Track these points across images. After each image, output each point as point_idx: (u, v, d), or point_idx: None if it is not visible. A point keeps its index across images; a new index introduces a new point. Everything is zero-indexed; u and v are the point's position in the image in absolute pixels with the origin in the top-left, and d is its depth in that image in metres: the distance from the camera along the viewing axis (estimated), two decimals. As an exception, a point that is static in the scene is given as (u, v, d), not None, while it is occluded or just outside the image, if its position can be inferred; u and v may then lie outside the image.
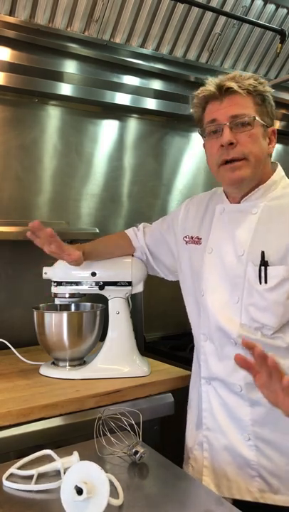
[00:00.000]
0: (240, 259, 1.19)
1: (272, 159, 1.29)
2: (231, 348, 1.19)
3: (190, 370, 1.56)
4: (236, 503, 1.17)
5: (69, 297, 1.55)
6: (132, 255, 1.56)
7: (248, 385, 1.16)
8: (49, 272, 1.53)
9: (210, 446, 1.26)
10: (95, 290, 1.54)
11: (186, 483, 1.01)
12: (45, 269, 1.53)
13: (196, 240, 1.33)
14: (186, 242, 1.37)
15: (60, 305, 1.64)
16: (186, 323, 2.31)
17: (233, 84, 1.15)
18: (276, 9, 2.36)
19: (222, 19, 2.27)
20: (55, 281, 1.53)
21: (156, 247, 1.52)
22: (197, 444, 1.30)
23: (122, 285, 1.54)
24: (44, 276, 1.54)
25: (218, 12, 2.20)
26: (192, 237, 1.35)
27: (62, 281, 1.52)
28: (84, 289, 1.53)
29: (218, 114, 1.18)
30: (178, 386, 1.50)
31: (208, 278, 1.26)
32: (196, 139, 2.50)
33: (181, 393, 1.47)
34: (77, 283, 1.53)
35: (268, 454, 1.17)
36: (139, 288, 1.57)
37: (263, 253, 1.15)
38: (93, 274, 1.52)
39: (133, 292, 1.56)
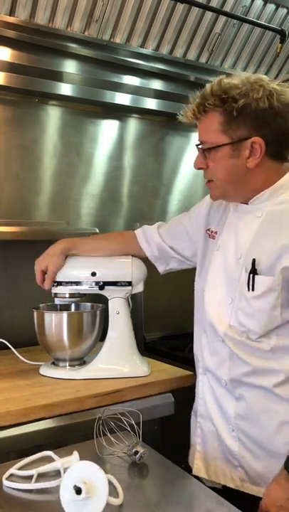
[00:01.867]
0: (238, 263, 1.20)
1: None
2: (219, 344, 1.23)
3: (190, 370, 1.57)
4: (225, 488, 1.24)
5: (69, 297, 1.55)
6: (133, 255, 1.56)
7: (232, 380, 1.21)
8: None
9: (202, 432, 1.32)
10: (95, 290, 1.54)
11: (186, 483, 1.01)
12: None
13: (213, 235, 1.34)
14: (209, 236, 1.36)
15: (60, 305, 1.64)
16: (185, 323, 2.32)
17: (193, 113, 1.17)
18: (276, 9, 2.36)
19: (222, 19, 2.27)
20: (55, 282, 1.53)
21: (175, 240, 1.49)
22: (195, 429, 1.35)
23: (122, 285, 1.54)
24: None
25: (218, 12, 2.20)
26: (212, 232, 1.35)
27: (62, 281, 1.52)
28: (84, 289, 1.53)
29: (198, 137, 1.22)
30: (178, 386, 1.50)
31: (212, 275, 1.28)
32: (196, 139, 2.49)
33: (181, 393, 1.47)
34: (77, 283, 1.53)
35: (249, 447, 1.20)
36: (139, 288, 1.57)
37: (254, 261, 1.14)
38: (93, 274, 1.52)
39: (133, 292, 1.56)
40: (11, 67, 1.88)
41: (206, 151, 1.18)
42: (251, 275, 1.14)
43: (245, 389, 1.19)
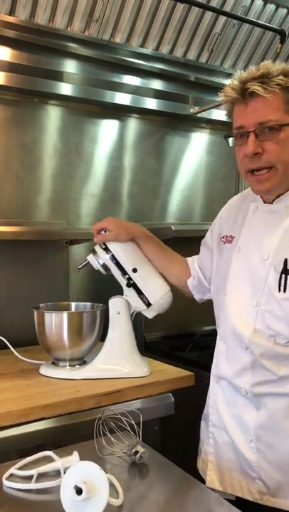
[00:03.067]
0: (265, 263, 1.15)
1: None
2: (241, 352, 1.18)
3: (190, 370, 1.57)
4: (239, 499, 1.20)
5: (100, 264, 1.53)
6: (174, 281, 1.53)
7: (254, 389, 1.16)
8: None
9: (215, 442, 1.27)
10: (122, 281, 1.52)
11: (186, 484, 1.01)
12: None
13: (230, 239, 1.30)
14: (224, 243, 1.32)
15: (60, 304, 1.63)
16: (186, 324, 2.33)
17: (258, 88, 1.07)
18: (276, 9, 2.36)
19: (222, 19, 2.27)
20: (104, 244, 1.52)
21: (204, 265, 1.46)
22: (207, 437, 1.31)
23: (142, 299, 1.52)
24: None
25: (218, 12, 2.20)
26: (227, 236, 1.31)
27: (110, 251, 1.51)
28: (117, 272, 1.52)
29: (244, 120, 1.11)
30: (178, 386, 1.50)
31: (233, 278, 1.24)
32: (196, 139, 2.50)
33: (181, 393, 1.47)
34: (117, 263, 1.51)
35: (269, 457, 1.16)
36: (150, 314, 1.54)
37: (286, 260, 1.10)
38: (134, 270, 1.51)
39: (143, 313, 1.54)
40: (11, 67, 1.88)
41: (267, 131, 1.09)
42: (283, 275, 1.10)
43: (268, 398, 1.15)
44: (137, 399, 1.42)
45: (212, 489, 1.18)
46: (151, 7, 2.08)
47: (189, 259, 1.53)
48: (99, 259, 1.53)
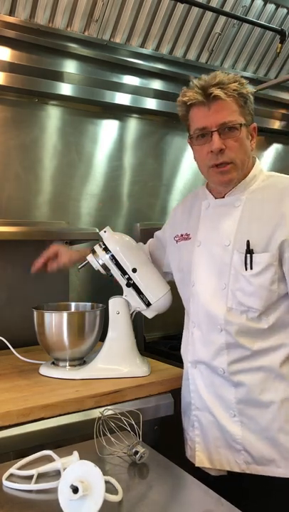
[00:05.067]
0: (227, 249, 1.28)
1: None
2: (216, 334, 1.28)
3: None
4: (231, 475, 1.28)
5: (100, 264, 1.53)
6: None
7: (230, 367, 1.26)
8: (108, 235, 1.53)
9: (200, 424, 1.35)
10: (122, 281, 1.52)
11: (186, 483, 1.01)
12: (106, 229, 1.55)
13: (186, 237, 1.42)
14: (177, 241, 1.45)
15: (60, 304, 1.63)
16: (186, 323, 2.28)
17: (220, 93, 1.20)
18: (276, 9, 2.37)
19: (222, 19, 2.27)
20: (103, 245, 1.53)
21: (154, 253, 1.63)
22: (190, 425, 1.38)
23: (142, 299, 1.52)
24: (101, 233, 1.54)
25: (218, 12, 2.20)
26: (182, 235, 1.44)
27: (110, 251, 1.51)
28: (116, 272, 1.52)
29: (207, 122, 1.24)
30: (178, 386, 1.50)
31: (198, 269, 1.35)
32: (196, 139, 2.50)
33: (181, 393, 1.47)
34: (117, 263, 1.52)
35: (252, 429, 1.25)
36: (150, 314, 1.55)
37: (248, 242, 1.23)
38: (134, 270, 1.51)
39: (143, 313, 1.55)
40: (11, 67, 1.88)
41: (228, 130, 1.23)
42: (248, 255, 1.23)
43: (244, 374, 1.25)
44: (137, 399, 1.43)
45: (200, 472, 1.29)
46: (151, 7, 2.08)
47: (150, 243, 1.68)
48: (99, 259, 1.53)
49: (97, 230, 2.06)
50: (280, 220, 1.21)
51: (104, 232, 1.54)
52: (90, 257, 1.55)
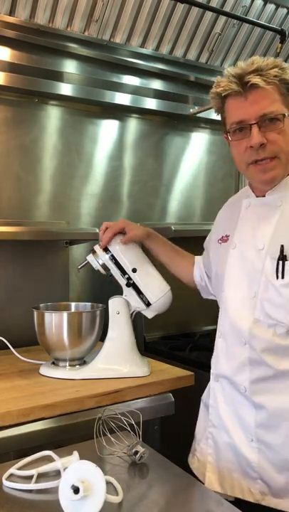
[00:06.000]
0: (260, 253, 1.16)
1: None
2: (240, 348, 1.17)
3: (190, 370, 1.57)
4: (237, 500, 1.18)
5: (101, 264, 1.53)
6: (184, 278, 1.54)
7: (252, 386, 1.15)
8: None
9: (215, 443, 1.25)
10: (122, 281, 1.52)
11: (186, 484, 1.01)
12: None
13: (226, 238, 1.31)
14: (220, 244, 1.33)
15: (60, 304, 1.63)
16: (186, 324, 2.33)
17: (258, 80, 1.07)
18: (276, 9, 2.36)
19: (222, 19, 2.27)
20: (106, 247, 1.52)
21: (207, 265, 1.47)
22: (204, 438, 1.30)
23: (142, 299, 1.52)
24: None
25: (218, 12, 2.20)
26: (223, 237, 1.32)
27: (110, 252, 1.51)
28: (116, 272, 1.52)
29: (245, 114, 1.11)
30: (178, 386, 1.50)
31: (230, 274, 1.24)
32: (196, 139, 2.50)
33: (181, 393, 1.47)
34: (117, 263, 1.52)
35: (270, 458, 1.14)
36: (150, 314, 1.55)
37: (282, 247, 1.10)
38: (134, 270, 1.51)
39: (143, 313, 1.55)
40: (11, 67, 1.88)
41: (269, 122, 1.10)
42: (280, 262, 1.10)
43: (267, 395, 1.14)
44: (137, 399, 1.42)
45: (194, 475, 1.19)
46: (151, 7, 2.08)
47: (198, 258, 1.54)
48: (98, 259, 1.53)
49: (97, 230, 2.05)
50: None
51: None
52: (89, 257, 1.55)
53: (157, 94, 2.27)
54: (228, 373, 1.21)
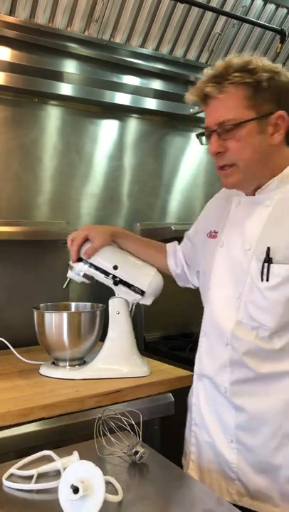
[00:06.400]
0: (247, 254, 1.14)
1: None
2: (222, 348, 1.17)
3: (190, 370, 1.56)
4: None
5: (83, 276, 1.53)
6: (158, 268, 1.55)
7: (232, 387, 1.15)
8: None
9: (197, 441, 1.26)
10: (109, 283, 1.52)
11: (186, 484, 1.01)
12: (71, 264, 1.53)
13: (214, 234, 1.29)
14: (208, 238, 1.32)
15: (60, 304, 1.63)
16: (186, 324, 2.32)
17: (210, 90, 1.08)
18: (276, 9, 2.36)
19: (222, 19, 2.27)
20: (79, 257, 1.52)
21: (188, 257, 1.48)
22: (190, 436, 1.31)
23: (135, 291, 1.52)
24: (69, 274, 1.54)
25: (218, 12, 2.20)
26: (211, 232, 1.30)
27: (84, 260, 1.51)
28: (100, 276, 1.52)
29: (207, 121, 1.14)
30: (178, 386, 1.50)
31: (216, 272, 1.23)
32: (196, 139, 2.49)
33: (181, 393, 1.47)
34: (97, 268, 1.51)
35: (249, 460, 1.14)
36: (147, 301, 1.55)
37: (268, 249, 1.09)
38: (115, 267, 1.51)
39: (141, 302, 1.55)
40: (11, 67, 1.88)
41: (228, 129, 1.09)
42: (266, 264, 1.08)
43: (247, 398, 1.13)
44: (137, 399, 1.43)
45: None
46: (151, 7, 2.08)
47: (170, 246, 1.54)
48: (79, 272, 1.53)
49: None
50: None
51: (71, 267, 1.53)
52: (70, 274, 1.55)
53: (157, 94, 2.27)
54: (210, 373, 1.21)
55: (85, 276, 1.53)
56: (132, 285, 1.52)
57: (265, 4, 2.32)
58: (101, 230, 1.51)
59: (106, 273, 1.51)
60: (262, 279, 1.09)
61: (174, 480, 1.01)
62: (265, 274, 1.08)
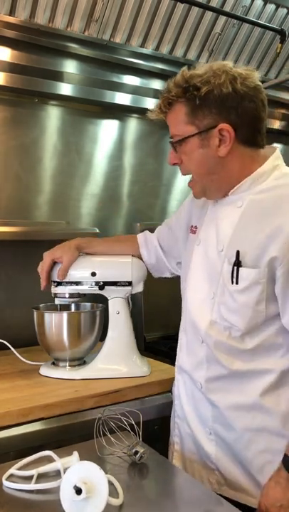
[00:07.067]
0: (220, 255, 1.16)
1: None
2: (198, 345, 1.21)
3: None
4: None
5: (69, 297, 1.55)
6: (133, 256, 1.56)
7: (207, 384, 1.19)
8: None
9: (179, 433, 1.30)
10: (95, 290, 1.53)
11: (186, 484, 1.01)
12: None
13: (194, 230, 1.30)
14: (190, 231, 1.33)
15: (61, 305, 1.64)
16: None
17: (162, 105, 1.14)
18: (276, 9, 2.36)
19: (222, 19, 2.27)
20: (54, 282, 1.53)
21: (166, 244, 1.48)
22: (173, 428, 1.35)
23: (122, 285, 1.53)
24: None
25: (218, 12, 2.20)
26: (192, 226, 1.32)
27: (62, 282, 1.52)
28: (84, 289, 1.53)
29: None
30: (178, 386, 1.50)
31: (193, 272, 1.26)
32: (196, 139, 2.50)
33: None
34: (77, 283, 1.52)
35: (225, 451, 1.18)
36: (139, 288, 1.57)
37: (238, 252, 1.10)
38: (93, 274, 1.52)
39: (133, 292, 1.56)
40: (11, 67, 1.88)
41: (176, 144, 1.15)
42: (235, 267, 1.10)
43: (220, 394, 1.17)
44: (136, 399, 1.43)
45: None
46: (151, 7, 2.08)
47: (140, 236, 1.55)
48: (64, 295, 1.54)
49: (97, 230, 2.06)
50: (276, 232, 1.05)
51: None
52: (57, 301, 1.57)
53: (157, 94, 2.26)
54: (188, 368, 1.25)
55: (71, 296, 1.54)
56: (117, 282, 1.53)
57: (265, 4, 2.31)
58: (64, 248, 1.51)
59: (88, 283, 1.52)
60: (232, 282, 1.11)
61: (174, 480, 1.01)
62: (234, 277, 1.10)
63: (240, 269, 1.10)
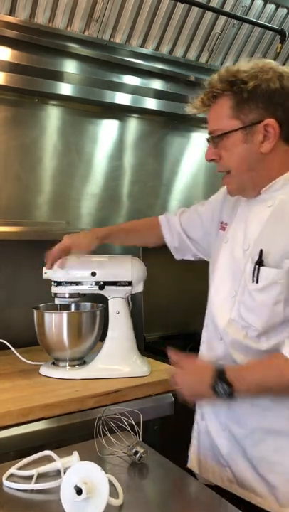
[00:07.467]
0: (245, 254, 1.15)
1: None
2: (217, 342, 1.21)
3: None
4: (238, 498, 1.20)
5: (69, 297, 1.55)
6: (154, 242, 1.54)
7: None
8: (49, 272, 1.53)
9: (198, 429, 1.31)
10: (95, 290, 1.54)
11: (186, 483, 1.01)
12: (45, 269, 1.53)
13: (224, 227, 1.28)
14: (220, 228, 1.31)
15: (61, 305, 1.64)
16: (186, 323, 2.32)
17: (205, 99, 1.13)
18: (276, 9, 2.36)
19: (222, 19, 2.27)
20: (55, 281, 1.53)
21: (194, 233, 1.45)
22: (195, 424, 1.35)
23: (122, 285, 1.53)
24: (44, 276, 1.54)
25: (218, 12, 2.20)
26: (223, 223, 1.30)
27: (62, 281, 1.52)
28: (84, 288, 1.53)
29: (208, 128, 1.18)
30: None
31: (220, 269, 1.24)
32: (196, 139, 2.50)
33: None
34: (77, 283, 1.53)
35: (237, 448, 1.18)
36: (138, 288, 1.57)
37: (261, 251, 1.09)
38: (93, 274, 1.52)
39: (133, 292, 1.56)
40: (11, 67, 1.88)
41: (217, 139, 1.13)
42: (257, 266, 1.09)
43: None
44: (136, 399, 1.43)
45: (194, 471, 1.28)
46: (151, 7, 2.08)
47: (162, 218, 1.52)
48: (64, 295, 1.54)
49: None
50: None
51: (45, 273, 1.54)
52: (58, 301, 1.57)
53: (157, 94, 2.27)
54: None
55: (71, 296, 1.54)
56: (117, 281, 1.53)
57: (265, 4, 2.32)
58: (86, 236, 1.52)
59: (88, 283, 1.52)
60: (253, 281, 1.11)
61: (174, 480, 1.01)
62: (255, 276, 1.10)
63: (261, 268, 1.09)
